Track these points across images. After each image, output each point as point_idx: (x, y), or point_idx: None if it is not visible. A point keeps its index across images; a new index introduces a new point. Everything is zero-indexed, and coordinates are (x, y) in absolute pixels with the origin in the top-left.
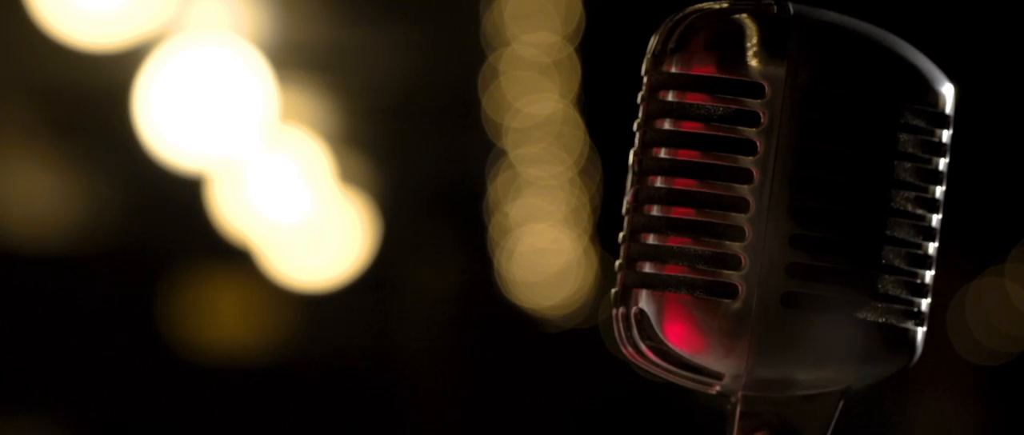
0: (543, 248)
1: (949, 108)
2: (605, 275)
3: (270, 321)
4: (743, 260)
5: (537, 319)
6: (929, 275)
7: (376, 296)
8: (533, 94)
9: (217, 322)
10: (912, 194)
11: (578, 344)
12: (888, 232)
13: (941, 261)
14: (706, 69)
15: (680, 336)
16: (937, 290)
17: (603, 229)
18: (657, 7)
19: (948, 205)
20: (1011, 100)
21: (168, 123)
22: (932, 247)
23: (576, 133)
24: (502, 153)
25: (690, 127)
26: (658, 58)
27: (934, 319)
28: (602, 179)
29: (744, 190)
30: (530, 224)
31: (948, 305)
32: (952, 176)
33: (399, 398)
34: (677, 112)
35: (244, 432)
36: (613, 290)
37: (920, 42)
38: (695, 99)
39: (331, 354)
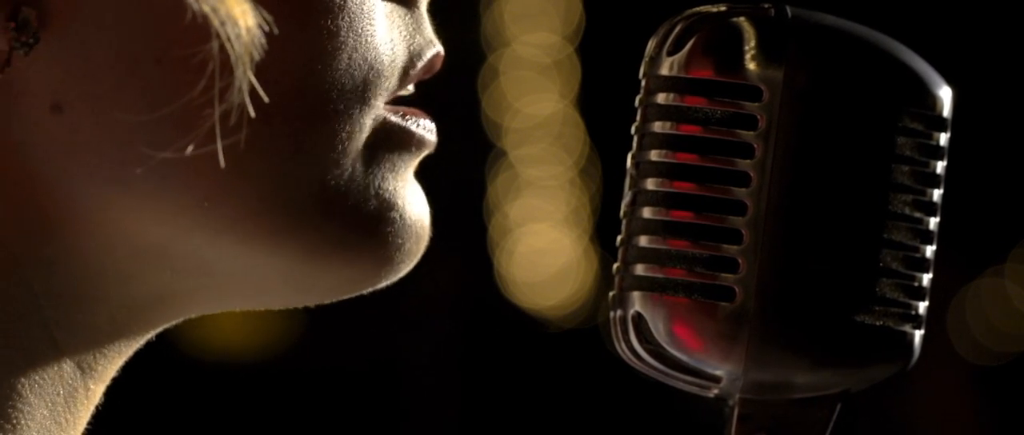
0: (543, 248)
1: (947, 111)
2: (605, 276)
3: (269, 320)
4: (741, 263)
5: (537, 319)
6: (927, 278)
7: (375, 295)
8: (533, 94)
9: (216, 321)
10: (910, 197)
11: (578, 344)
12: (886, 235)
13: (941, 261)
14: (704, 72)
15: (678, 339)
16: (937, 290)
17: (603, 230)
18: (657, 8)
19: (948, 206)
20: (1011, 102)
21: None
22: (930, 250)
23: (576, 133)
24: (502, 153)
25: (688, 130)
26: (655, 61)
27: (934, 319)
28: (602, 179)
29: (742, 193)
30: (530, 224)
31: (948, 305)
32: (952, 177)
33: (398, 397)
34: (675, 115)
35: (244, 432)
36: (611, 293)
37: (919, 45)
38: (693, 102)
39: (330, 353)
